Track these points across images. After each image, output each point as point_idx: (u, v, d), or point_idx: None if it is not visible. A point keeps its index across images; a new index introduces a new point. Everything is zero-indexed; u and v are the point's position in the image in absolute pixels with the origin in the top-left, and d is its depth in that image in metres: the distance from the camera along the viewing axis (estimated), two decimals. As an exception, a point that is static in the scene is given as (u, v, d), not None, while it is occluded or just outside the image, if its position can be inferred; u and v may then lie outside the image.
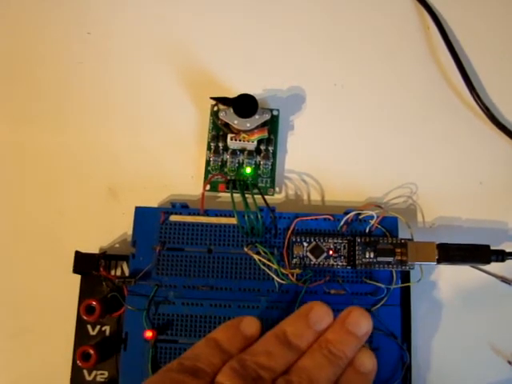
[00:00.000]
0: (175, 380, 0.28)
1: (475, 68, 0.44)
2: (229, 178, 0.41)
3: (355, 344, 0.31)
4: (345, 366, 0.30)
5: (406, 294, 0.38)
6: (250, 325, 0.31)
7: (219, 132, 0.41)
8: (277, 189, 0.42)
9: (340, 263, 0.37)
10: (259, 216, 0.36)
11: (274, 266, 0.36)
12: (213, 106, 0.42)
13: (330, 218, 0.38)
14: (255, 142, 0.40)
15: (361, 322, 0.31)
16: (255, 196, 0.37)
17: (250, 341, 0.31)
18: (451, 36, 0.45)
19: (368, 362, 0.31)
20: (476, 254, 0.36)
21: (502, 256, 0.36)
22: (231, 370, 0.28)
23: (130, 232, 0.38)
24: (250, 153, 0.41)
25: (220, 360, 0.29)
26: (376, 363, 0.31)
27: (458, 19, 0.45)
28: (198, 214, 0.38)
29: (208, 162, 0.41)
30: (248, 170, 0.41)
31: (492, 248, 0.36)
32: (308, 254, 0.37)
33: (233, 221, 0.37)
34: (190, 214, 0.38)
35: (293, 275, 0.36)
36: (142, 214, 0.38)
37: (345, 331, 0.31)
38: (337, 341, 0.30)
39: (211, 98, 0.41)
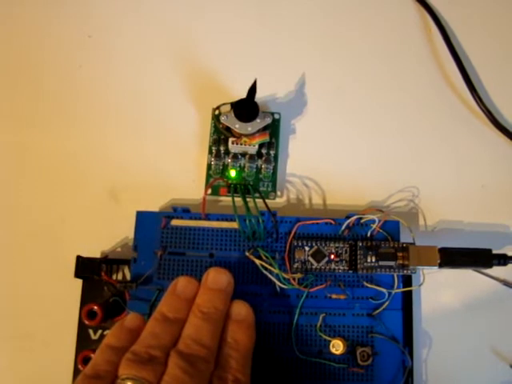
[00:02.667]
0: None
1: (477, 71, 0.44)
2: (230, 182, 0.41)
3: (221, 297, 0.34)
4: (222, 320, 0.33)
5: (407, 298, 0.38)
6: (132, 319, 0.33)
7: (220, 136, 0.41)
8: (278, 193, 0.42)
9: (341, 267, 0.37)
10: (261, 220, 0.36)
11: (276, 271, 0.36)
12: (214, 109, 0.42)
13: (332, 222, 0.38)
14: (256, 146, 0.40)
15: (218, 277, 0.35)
16: (256, 200, 0.37)
17: (137, 333, 0.32)
18: (453, 38, 0.45)
19: (241, 310, 0.34)
20: (478, 258, 0.36)
21: (504, 260, 0.36)
22: (127, 360, 0.30)
23: (132, 236, 0.38)
24: (252, 157, 0.41)
25: (116, 358, 0.31)
26: (249, 309, 0.34)
27: (459, 21, 0.45)
28: (200, 219, 0.38)
29: (209, 166, 0.41)
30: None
31: (494, 252, 0.36)
32: (309, 258, 0.36)
33: (234, 225, 0.37)
34: (191, 219, 0.38)
35: (294, 280, 0.36)
36: (143, 218, 0.38)
37: (208, 290, 0.34)
38: (204, 300, 0.33)
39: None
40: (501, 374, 0.39)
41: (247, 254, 0.37)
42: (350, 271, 0.37)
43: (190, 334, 0.32)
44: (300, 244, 0.37)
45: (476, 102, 0.43)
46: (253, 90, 0.39)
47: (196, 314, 0.33)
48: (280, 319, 0.36)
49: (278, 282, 0.36)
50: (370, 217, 0.37)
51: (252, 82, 0.39)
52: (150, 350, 0.31)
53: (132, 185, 0.41)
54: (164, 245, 0.37)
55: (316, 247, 0.37)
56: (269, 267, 0.36)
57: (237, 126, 0.39)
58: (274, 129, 0.42)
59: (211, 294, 0.34)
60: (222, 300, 0.34)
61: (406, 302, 0.38)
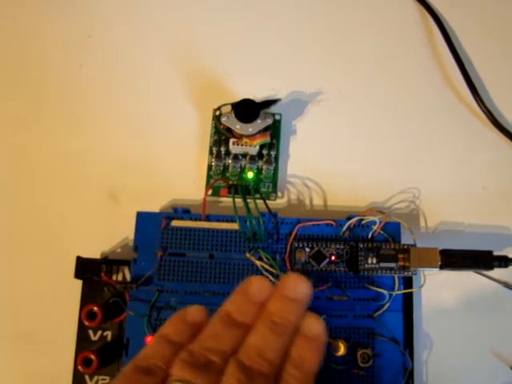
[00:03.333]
0: (130, 380, 0.28)
1: (478, 72, 0.44)
2: (231, 182, 0.41)
3: (297, 309, 0.30)
4: (291, 334, 0.30)
5: (408, 299, 0.38)
6: (195, 313, 0.31)
7: (221, 137, 0.41)
8: (279, 194, 0.41)
9: (342, 269, 0.37)
10: (261, 221, 0.36)
11: (276, 272, 0.36)
12: (215, 110, 0.42)
13: (333, 223, 0.38)
14: (257, 147, 0.40)
15: (297, 286, 0.31)
16: (257, 201, 0.37)
17: (197, 329, 0.30)
18: (454, 39, 0.44)
19: (315, 326, 0.30)
20: (479, 260, 0.36)
21: (504, 262, 0.36)
22: (181, 360, 0.28)
23: (132, 237, 0.38)
24: (252, 157, 0.41)
25: (171, 353, 0.29)
26: (324, 326, 0.30)
27: (460, 23, 0.45)
28: (200, 219, 0.38)
29: (210, 167, 0.41)
30: (250, 174, 0.41)
31: (495, 254, 0.36)
32: (310, 259, 0.36)
33: (235, 226, 0.37)
34: (191, 219, 0.38)
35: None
36: (143, 219, 0.38)
37: (284, 298, 0.30)
38: (277, 309, 0.30)
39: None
40: (501, 376, 0.39)
41: (248, 255, 0.37)
42: (351, 273, 0.37)
43: (254, 345, 0.29)
44: (301, 245, 0.37)
45: (477, 103, 0.43)
46: (269, 103, 0.40)
47: (265, 323, 0.30)
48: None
49: (278, 284, 0.36)
50: (371, 218, 0.37)
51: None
52: (209, 353, 0.28)
53: (132, 185, 0.41)
54: (164, 245, 0.37)
55: (317, 248, 0.37)
56: (269, 268, 0.36)
57: (237, 127, 0.39)
58: (274, 130, 0.42)
59: (286, 304, 0.30)
60: (296, 312, 0.30)
61: (407, 304, 0.38)
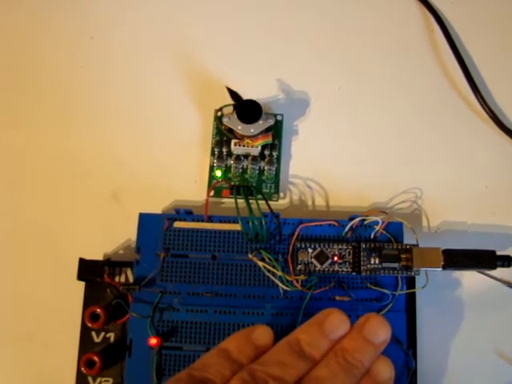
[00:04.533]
0: None
1: (480, 71, 0.44)
2: (233, 183, 0.41)
3: (372, 353, 0.30)
4: (361, 376, 0.29)
5: (411, 299, 0.38)
6: (262, 334, 0.30)
7: (223, 137, 0.41)
8: (281, 194, 0.41)
9: (345, 269, 0.36)
10: (263, 222, 0.36)
11: (279, 273, 0.36)
12: (216, 111, 0.42)
13: (335, 223, 0.38)
14: (259, 148, 0.40)
15: (379, 330, 0.30)
16: (259, 202, 0.37)
17: (261, 350, 0.30)
18: (455, 39, 0.44)
19: (385, 371, 0.30)
20: (482, 260, 0.36)
21: (508, 261, 0.36)
22: (241, 380, 0.27)
23: (134, 238, 0.38)
24: (254, 158, 0.41)
25: (230, 371, 0.28)
26: (393, 372, 0.30)
27: (462, 22, 0.45)
28: (202, 220, 0.38)
29: (212, 168, 0.41)
30: (218, 173, 0.41)
31: (498, 253, 0.36)
32: (313, 260, 0.36)
33: (237, 227, 0.37)
34: (194, 221, 0.38)
35: (297, 281, 0.36)
36: (146, 220, 0.38)
37: (362, 339, 0.30)
38: (353, 349, 0.29)
39: (227, 87, 0.41)
40: (505, 376, 0.39)
41: (250, 256, 0.37)
42: (354, 273, 0.36)
43: (321, 378, 0.28)
44: (303, 246, 0.37)
45: (479, 102, 0.43)
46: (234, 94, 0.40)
47: (338, 360, 0.29)
48: (283, 321, 0.36)
49: (281, 284, 0.36)
50: (374, 218, 0.37)
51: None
52: (271, 380, 0.27)
53: (134, 187, 0.41)
54: (167, 247, 0.37)
55: (319, 249, 0.37)
56: (272, 269, 0.36)
57: (239, 128, 0.39)
58: (276, 130, 0.42)
59: (363, 345, 0.29)
60: (372, 356, 0.29)
61: (410, 304, 0.38)
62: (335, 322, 0.30)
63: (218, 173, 0.41)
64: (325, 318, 0.30)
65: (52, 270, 0.40)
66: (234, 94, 0.40)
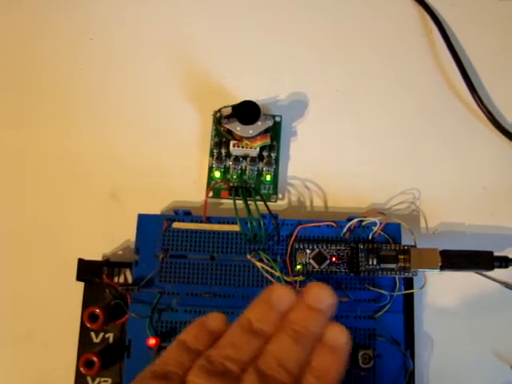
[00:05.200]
0: None
1: (478, 72, 0.44)
2: (231, 184, 0.41)
3: (319, 319, 0.29)
4: (313, 343, 0.29)
5: (409, 300, 0.38)
6: (214, 320, 0.30)
7: (222, 138, 0.41)
8: (279, 195, 0.42)
9: (343, 270, 0.37)
10: (262, 223, 0.36)
11: (277, 274, 0.36)
12: (215, 112, 0.42)
13: (333, 224, 0.38)
14: (258, 149, 0.40)
15: (321, 296, 0.30)
16: (258, 203, 0.37)
17: (216, 336, 0.30)
18: (454, 40, 0.45)
19: (337, 336, 0.29)
20: (479, 261, 0.36)
21: (505, 262, 0.36)
22: (198, 367, 0.27)
23: (133, 239, 0.38)
24: (253, 159, 0.41)
25: (189, 360, 0.28)
26: (347, 336, 0.29)
27: (460, 23, 0.45)
28: (201, 221, 0.38)
29: (211, 169, 0.41)
30: (217, 174, 0.41)
31: (495, 254, 0.36)
32: (311, 260, 0.37)
33: (236, 228, 0.37)
34: (192, 221, 0.38)
35: (296, 282, 0.36)
36: (145, 221, 0.38)
37: (306, 308, 0.29)
38: (299, 318, 0.29)
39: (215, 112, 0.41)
40: (502, 376, 0.39)
41: (248, 256, 0.37)
42: (352, 274, 0.37)
43: (275, 354, 0.28)
44: (301, 247, 0.37)
45: (477, 103, 0.43)
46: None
47: (287, 332, 0.29)
48: (281, 322, 0.36)
49: (279, 285, 0.36)
50: (372, 219, 0.37)
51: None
52: (227, 362, 0.28)
53: (133, 188, 0.41)
54: (165, 247, 0.37)
55: (317, 250, 0.37)
56: (270, 270, 0.36)
57: (238, 129, 0.40)
58: (275, 131, 0.42)
59: (309, 313, 0.29)
60: (320, 322, 0.29)
61: (408, 305, 0.38)
62: (279, 293, 0.30)
63: (217, 174, 0.41)
64: (269, 294, 0.30)
65: (51, 271, 0.40)
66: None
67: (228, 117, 0.40)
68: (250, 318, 0.29)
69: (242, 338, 0.29)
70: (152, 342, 0.35)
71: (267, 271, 0.36)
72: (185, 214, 0.38)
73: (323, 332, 0.29)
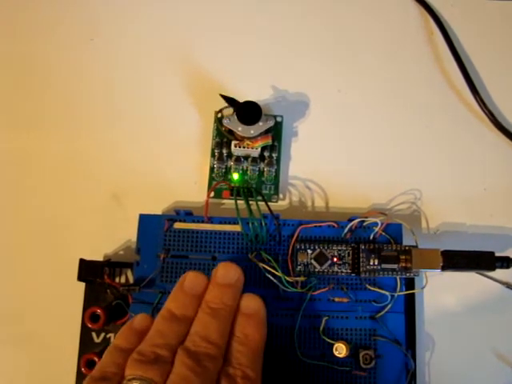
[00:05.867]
0: None
1: (479, 73, 0.44)
2: (233, 184, 0.41)
3: (231, 293, 0.33)
4: (232, 316, 0.32)
5: (410, 301, 0.38)
6: (140, 320, 0.33)
7: (223, 139, 0.41)
8: (281, 195, 0.42)
9: (344, 270, 0.37)
10: (263, 223, 0.36)
11: (279, 274, 0.36)
12: (216, 112, 0.42)
13: (334, 225, 0.38)
14: (259, 149, 0.40)
15: (227, 272, 0.33)
16: (259, 203, 0.37)
17: (145, 334, 0.32)
18: (455, 41, 0.45)
19: (251, 303, 0.33)
20: (481, 261, 0.36)
21: (506, 263, 0.36)
22: (132, 360, 0.30)
23: (134, 239, 0.38)
24: (254, 159, 0.41)
25: (124, 359, 0.30)
26: (260, 302, 0.33)
27: (462, 25, 0.45)
28: (202, 222, 0.38)
29: (212, 169, 0.41)
30: (235, 176, 0.41)
31: (497, 255, 0.36)
32: (312, 261, 0.36)
33: (237, 228, 0.37)
34: (194, 222, 0.38)
35: (297, 283, 0.36)
36: (146, 221, 0.38)
37: (217, 286, 0.33)
38: (213, 296, 0.32)
39: (221, 95, 0.41)
40: (503, 377, 0.39)
41: (250, 257, 0.37)
42: (353, 274, 0.37)
43: (197, 331, 0.31)
44: (303, 247, 0.37)
45: (478, 104, 0.43)
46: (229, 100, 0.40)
47: (204, 310, 0.32)
48: (283, 322, 0.36)
49: (280, 285, 0.36)
50: (373, 220, 0.37)
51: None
52: (157, 349, 0.30)
53: (135, 188, 0.41)
54: (167, 248, 0.37)
55: (319, 250, 0.37)
56: (271, 270, 0.36)
57: (239, 129, 0.40)
58: (276, 132, 0.42)
59: (220, 290, 0.33)
60: (231, 295, 0.33)
61: (409, 305, 0.38)
62: (191, 279, 0.33)
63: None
64: (182, 281, 0.33)
65: (52, 271, 0.40)
66: (229, 100, 0.41)
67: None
68: (170, 307, 0.32)
69: (165, 325, 0.32)
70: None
71: (268, 271, 0.36)
72: (186, 215, 0.38)
73: (239, 304, 0.33)
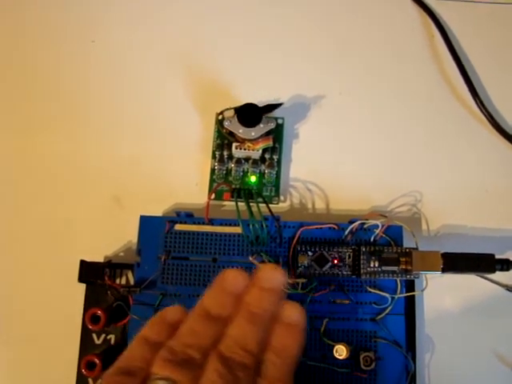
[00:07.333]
0: (111, 382, 0.28)
1: (479, 76, 0.45)
2: (234, 186, 0.41)
3: (273, 298, 0.30)
4: (270, 323, 0.30)
5: (410, 302, 0.38)
6: (173, 313, 0.31)
7: (224, 141, 0.41)
8: (281, 197, 0.42)
9: (345, 272, 0.37)
10: (264, 225, 0.37)
11: (279, 276, 0.36)
12: (217, 114, 0.42)
13: (335, 227, 0.38)
14: (260, 151, 0.40)
15: (271, 276, 0.31)
16: (260, 205, 0.37)
17: (176, 328, 0.30)
18: (455, 44, 0.45)
19: (292, 313, 0.30)
20: (481, 263, 0.36)
21: (507, 265, 0.36)
22: (161, 358, 0.28)
23: (135, 240, 0.38)
24: (255, 161, 0.41)
25: (151, 354, 0.29)
26: (303, 312, 0.30)
27: (462, 27, 0.46)
28: (203, 223, 0.38)
29: (213, 171, 0.41)
30: (253, 178, 0.41)
31: (497, 257, 0.36)
32: (313, 263, 0.37)
33: (238, 230, 0.37)
34: (194, 223, 0.38)
35: (298, 284, 0.36)
36: (147, 222, 0.38)
37: (259, 289, 0.30)
38: (254, 299, 0.30)
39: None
40: (503, 379, 0.39)
41: (250, 258, 0.37)
42: (353, 276, 0.37)
43: (234, 337, 0.29)
44: (303, 249, 0.37)
45: (478, 107, 0.43)
46: (271, 107, 0.40)
47: (244, 315, 0.29)
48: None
49: (281, 287, 0.36)
50: (373, 222, 0.37)
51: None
52: (188, 349, 0.28)
53: (135, 189, 0.42)
54: (167, 249, 0.37)
55: (319, 252, 0.37)
56: (272, 272, 0.36)
57: (240, 131, 0.40)
58: (277, 134, 0.42)
59: (263, 294, 0.30)
60: (274, 301, 0.30)
61: (409, 307, 0.38)
62: (231, 276, 0.31)
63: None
64: (223, 279, 0.31)
65: (53, 272, 0.40)
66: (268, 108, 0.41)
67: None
68: (206, 305, 0.30)
69: (200, 324, 0.29)
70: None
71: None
72: (187, 216, 0.38)
73: (279, 311, 0.30)
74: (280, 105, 0.41)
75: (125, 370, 0.28)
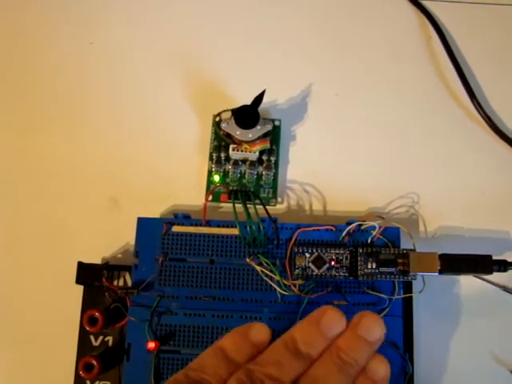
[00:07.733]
0: None
1: (477, 77, 0.45)
2: (231, 188, 0.41)
3: (367, 351, 0.29)
4: (357, 374, 0.29)
5: (408, 304, 0.38)
6: (259, 331, 0.30)
7: (221, 142, 0.42)
8: (279, 199, 0.42)
9: (342, 274, 0.37)
10: (261, 227, 0.37)
11: (276, 277, 0.36)
12: (215, 116, 0.42)
13: (332, 228, 0.38)
14: (257, 153, 0.40)
15: (373, 328, 0.30)
16: (257, 206, 0.37)
17: (258, 348, 0.29)
18: (453, 45, 0.45)
19: (381, 369, 0.29)
20: (478, 264, 0.36)
21: (504, 266, 0.36)
22: (237, 381, 0.27)
23: (133, 242, 0.38)
24: (252, 163, 0.41)
25: (226, 371, 0.28)
26: (389, 369, 0.30)
27: (459, 29, 0.46)
28: (201, 225, 0.38)
29: (210, 172, 0.41)
30: (216, 177, 0.41)
31: (494, 258, 0.36)
32: (310, 264, 0.37)
33: (235, 231, 0.37)
34: (192, 225, 0.38)
35: (295, 286, 0.36)
36: (144, 224, 0.38)
37: (356, 338, 0.29)
38: (348, 348, 0.29)
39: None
40: (501, 380, 0.39)
41: (248, 260, 0.37)
42: (351, 277, 0.37)
43: (317, 377, 0.28)
44: (300, 250, 0.37)
45: (476, 108, 0.43)
46: (259, 99, 0.40)
47: (333, 359, 0.28)
48: (281, 326, 0.36)
49: (278, 289, 0.36)
50: (371, 223, 0.37)
51: (257, 90, 0.40)
52: (268, 380, 0.27)
53: (133, 191, 0.42)
54: (165, 251, 0.37)
55: (317, 254, 0.37)
56: (269, 274, 0.36)
57: (237, 133, 0.40)
58: (274, 135, 0.42)
59: (358, 343, 0.29)
60: (367, 354, 0.29)
61: (407, 309, 0.38)
62: (331, 320, 0.30)
63: (217, 177, 0.41)
64: (321, 317, 0.30)
65: (51, 274, 0.40)
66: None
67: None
68: (297, 339, 0.29)
69: (285, 357, 0.28)
70: (151, 345, 0.35)
71: (266, 275, 0.36)
72: (184, 218, 0.38)
73: (367, 363, 0.29)
74: (263, 92, 0.40)
75: (195, 381, 0.27)
